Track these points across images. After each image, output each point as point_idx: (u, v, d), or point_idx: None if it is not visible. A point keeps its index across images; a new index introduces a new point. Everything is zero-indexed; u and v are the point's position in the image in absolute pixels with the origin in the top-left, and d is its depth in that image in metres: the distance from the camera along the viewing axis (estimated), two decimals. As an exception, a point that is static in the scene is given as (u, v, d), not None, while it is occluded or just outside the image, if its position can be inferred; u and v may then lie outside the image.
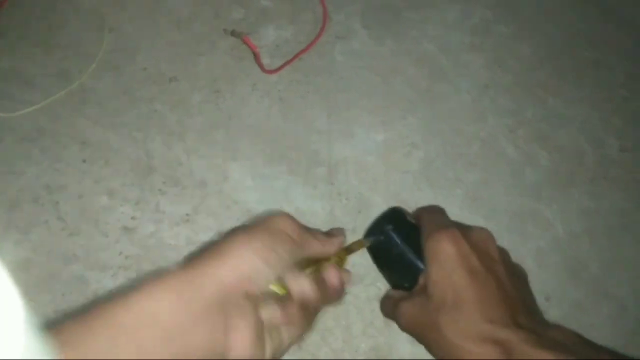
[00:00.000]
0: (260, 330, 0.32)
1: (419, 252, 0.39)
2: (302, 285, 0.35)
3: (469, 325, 0.35)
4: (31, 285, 0.43)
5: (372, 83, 0.58)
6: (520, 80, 0.62)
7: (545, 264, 0.51)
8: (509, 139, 0.58)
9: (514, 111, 0.60)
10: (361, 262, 0.48)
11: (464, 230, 0.39)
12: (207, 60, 0.56)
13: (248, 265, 0.31)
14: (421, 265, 0.40)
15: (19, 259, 0.44)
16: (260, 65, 0.56)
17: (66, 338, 0.27)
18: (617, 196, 0.56)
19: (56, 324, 0.28)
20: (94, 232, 0.46)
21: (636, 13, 0.70)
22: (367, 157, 0.54)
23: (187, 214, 0.48)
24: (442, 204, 0.43)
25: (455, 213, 0.49)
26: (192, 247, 0.46)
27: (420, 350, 0.45)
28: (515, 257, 0.42)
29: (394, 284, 0.44)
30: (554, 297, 0.49)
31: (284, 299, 0.34)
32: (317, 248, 0.37)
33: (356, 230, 0.49)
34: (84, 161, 0.49)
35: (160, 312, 0.29)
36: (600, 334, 0.48)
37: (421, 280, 0.40)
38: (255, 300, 0.32)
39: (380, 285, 0.47)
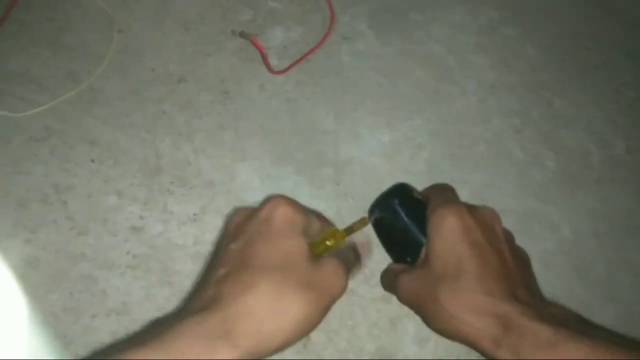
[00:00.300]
0: None
1: (423, 227, 0.40)
2: None
3: (468, 297, 0.35)
4: (40, 283, 0.43)
5: (379, 84, 0.59)
6: (526, 81, 0.62)
7: (552, 265, 0.51)
8: (515, 140, 0.58)
9: (520, 112, 0.60)
10: (367, 262, 0.48)
11: (470, 207, 0.39)
12: (215, 61, 0.57)
13: (299, 339, 0.33)
14: (424, 240, 0.40)
15: (28, 258, 0.44)
16: (268, 66, 0.56)
17: None
18: (623, 197, 0.56)
19: None
20: (102, 232, 0.46)
21: (643, 14, 0.70)
22: (373, 157, 0.54)
23: (194, 214, 0.48)
24: (449, 205, 0.43)
25: (462, 214, 0.49)
26: (200, 247, 0.46)
27: (425, 352, 0.46)
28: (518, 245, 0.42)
29: (396, 258, 0.44)
30: (560, 299, 0.49)
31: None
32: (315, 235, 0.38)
33: (362, 231, 0.49)
34: (93, 161, 0.49)
35: None
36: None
37: (423, 254, 0.40)
38: None
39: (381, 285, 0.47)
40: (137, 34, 0.57)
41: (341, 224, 0.46)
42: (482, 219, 0.39)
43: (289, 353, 0.44)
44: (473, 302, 0.35)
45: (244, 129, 0.53)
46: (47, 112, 0.51)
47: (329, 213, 0.50)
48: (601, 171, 0.57)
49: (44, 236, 0.45)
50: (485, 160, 0.56)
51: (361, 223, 0.42)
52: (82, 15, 0.57)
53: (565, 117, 0.60)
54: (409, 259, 0.42)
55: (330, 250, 0.38)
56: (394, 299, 0.46)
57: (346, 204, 0.51)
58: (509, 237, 0.41)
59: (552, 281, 0.50)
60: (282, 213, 0.35)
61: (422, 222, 0.40)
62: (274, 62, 0.57)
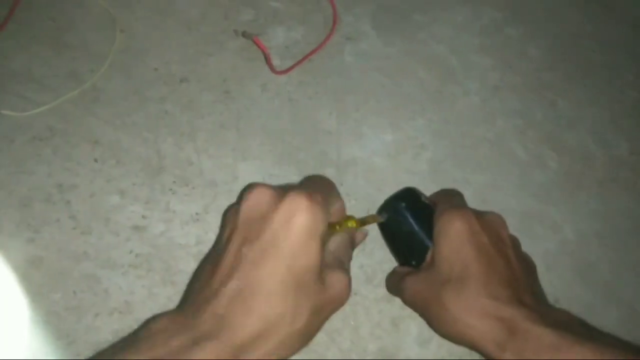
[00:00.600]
0: None
1: (429, 231, 0.40)
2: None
3: (472, 300, 0.35)
4: (42, 283, 0.43)
5: (381, 84, 0.59)
6: (530, 81, 0.62)
7: (554, 266, 0.51)
8: (518, 141, 0.57)
9: (523, 113, 0.60)
10: (369, 262, 0.48)
11: (477, 212, 0.39)
12: (217, 61, 0.57)
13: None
14: (430, 244, 0.40)
15: (31, 257, 0.44)
16: (270, 66, 0.56)
17: None
18: (626, 199, 0.56)
19: None
20: (105, 231, 0.46)
21: (646, 15, 0.70)
22: (375, 158, 0.54)
23: (197, 213, 0.48)
24: (452, 205, 0.43)
25: (464, 214, 0.49)
26: (202, 247, 0.46)
27: (428, 352, 0.46)
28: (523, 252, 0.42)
29: (402, 261, 0.45)
30: (562, 300, 0.49)
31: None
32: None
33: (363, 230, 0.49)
34: (95, 161, 0.49)
35: None
36: (610, 336, 0.48)
37: (428, 257, 0.40)
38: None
39: (386, 288, 0.47)
40: (139, 34, 0.57)
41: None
42: (488, 224, 0.39)
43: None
44: (478, 305, 0.35)
45: (245, 129, 0.53)
46: (50, 111, 0.51)
47: (331, 213, 0.50)
48: (604, 172, 0.57)
49: (47, 235, 0.45)
50: (487, 161, 0.56)
51: (373, 218, 0.43)
52: (84, 15, 0.57)
53: (568, 117, 0.60)
54: (414, 262, 0.42)
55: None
56: (396, 299, 0.46)
57: (349, 204, 0.50)
58: (515, 243, 0.41)
59: (554, 282, 0.50)
60: (302, 222, 0.32)
61: (428, 226, 0.40)
62: (275, 62, 0.57)
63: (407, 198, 0.44)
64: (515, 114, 0.59)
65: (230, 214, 0.36)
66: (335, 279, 0.35)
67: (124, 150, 0.50)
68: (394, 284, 0.43)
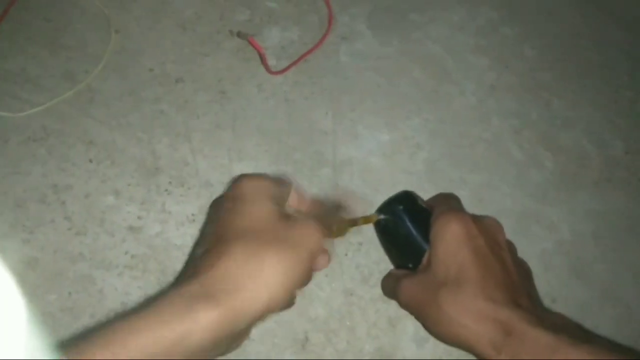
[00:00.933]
0: None
1: (426, 234, 0.40)
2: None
3: (469, 302, 0.35)
4: (38, 284, 0.43)
5: (377, 84, 0.58)
6: (526, 81, 0.62)
7: (551, 265, 0.51)
8: (514, 141, 0.58)
9: (518, 112, 0.60)
10: (366, 263, 0.48)
11: (474, 216, 0.40)
12: (212, 61, 0.57)
13: (281, 300, 0.32)
14: (426, 247, 0.40)
15: (26, 258, 0.44)
16: (266, 67, 0.56)
17: None
18: (622, 198, 0.56)
19: (82, 343, 0.26)
20: (100, 232, 0.46)
21: (641, 15, 0.70)
22: (371, 157, 0.54)
23: (192, 214, 0.48)
24: (448, 205, 0.43)
25: (460, 214, 0.49)
26: (198, 247, 0.46)
27: (425, 352, 0.46)
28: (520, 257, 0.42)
29: (398, 264, 0.44)
30: (559, 299, 0.49)
31: None
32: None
33: (361, 230, 0.49)
34: (91, 161, 0.49)
35: (196, 351, 0.29)
36: (606, 336, 0.48)
37: (425, 260, 0.40)
38: None
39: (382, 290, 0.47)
40: (134, 34, 0.57)
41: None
42: (485, 228, 0.39)
43: (288, 353, 0.44)
44: (474, 307, 0.35)
45: (241, 129, 0.53)
46: (45, 112, 0.50)
47: (327, 213, 0.50)
48: (600, 172, 0.57)
49: (42, 236, 0.45)
50: (484, 161, 0.56)
51: (365, 219, 0.42)
52: (79, 15, 0.57)
53: (563, 117, 0.60)
54: (410, 265, 0.42)
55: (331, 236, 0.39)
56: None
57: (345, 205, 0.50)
58: (511, 248, 0.41)
59: (550, 282, 0.50)
60: (246, 185, 0.35)
61: (425, 229, 0.40)
62: (271, 62, 0.57)
63: (405, 201, 0.44)
64: (511, 114, 0.59)
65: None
66: (302, 219, 0.35)
67: (119, 150, 0.50)
68: (390, 286, 0.43)
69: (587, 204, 0.55)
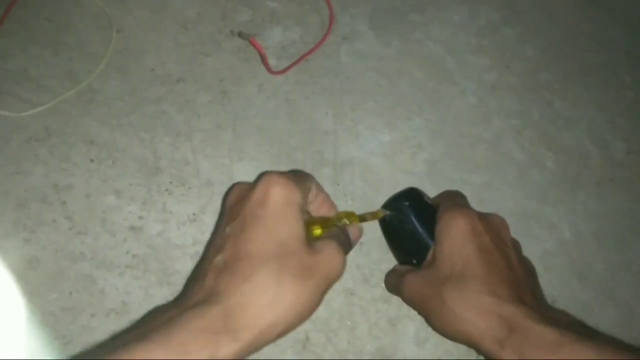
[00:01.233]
0: None
1: (431, 230, 0.40)
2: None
3: (473, 297, 0.35)
4: (39, 283, 0.43)
5: (378, 84, 0.58)
6: (527, 81, 0.62)
7: (552, 266, 0.51)
8: (515, 141, 0.57)
9: (520, 113, 0.60)
10: (366, 263, 0.48)
11: (480, 213, 0.40)
12: (213, 61, 0.57)
13: (298, 323, 0.33)
14: (431, 243, 0.40)
15: (27, 258, 0.44)
16: (267, 67, 0.56)
17: None
18: (623, 198, 0.56)
19: None
20: (101, 231, 0.46)
21: (643, 15, 0.70)
22: (372, 157, 0.54)
23: (193, 214, 0.48)
24: (448, 205, 0.43)
25: (461, 214, 0.49)
26: (199, 247, 0.46)
27: (425, 352, 0.45)
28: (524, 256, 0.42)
29: (402, 259, 0.45)
30: (560, 300, 0.49)
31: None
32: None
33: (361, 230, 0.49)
34: (92, 161, 0.49)
35: None
36: (607, 336, 0.48)
37: (429, 256, 0.40)
38: None
39: (385, 286, 0.47)
40: (135, 34, 0.57)
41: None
42: (491, 225, 0.39)
43: (288, 353, 0.44)
44: (478, 303, 0.35)
45: (242, 129, 0.53)
46: (47, 112, 0.51)
47: (328, 213, 0.50)
48: (601, 172, 0.57)
49: (43, 236, 0.45)
50: (485, 161, 0.56)
51: (374, 215, 0.43)
52: (81, 15, 0.57)
53: (565, 117, 0.60)
54: (415, 261, 0.42)
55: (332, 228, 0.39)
56: (393, 299, 0.46)
57: (345, 204, 0.50)
58: (516, 246, 0.41)
59: (552, 282, 0.50)
60: (277, 193, 0.34)
61: (430, 226, 0.41)
62: (272, 62, 0.57)
63: (410, 197, 0.44)
64: (512, 114, 0.59)
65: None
66: (323, 244, 0.35)
67: (120, 150, 0.50)
68: (394, 282, 0.43)
69: (589, 204, 0.55)
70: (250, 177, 0.50)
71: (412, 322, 0.46)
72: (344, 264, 0.35)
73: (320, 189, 0.41)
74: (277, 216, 0.33)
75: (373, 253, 0.49)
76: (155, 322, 0.29)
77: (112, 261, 0.45)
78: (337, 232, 0.39)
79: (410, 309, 0.44)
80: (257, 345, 0.31)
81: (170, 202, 0.48)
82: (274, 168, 0.51)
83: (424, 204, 0.44)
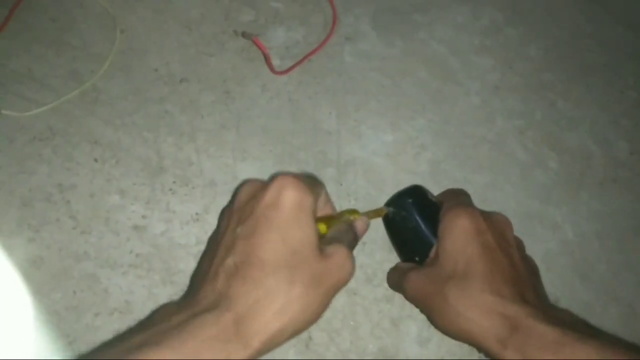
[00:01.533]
0: None
1: (434, 228, 0.40)
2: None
3: (476, 296, 0.35)
4: (43, 282, 0.43)
5: (381, 84, 0.59)
6: (530, 82, 0.62)
7: (555, 266, 0.51)
8: (518, 141, 0.58)
9: (523, 113, 0.60)
10: (369, 262, 0.48)
11: (483, 212, 0.40)
12: (217, 61, 0.57)
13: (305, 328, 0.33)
14: (434, 240, 0.40)
15: (31, 257, 0.44)
16: (270, 67, 0.56)
17: None
18: (626, 199, 0.56)
19: None
20: (105, 231, 0.46)
21: (646, 15, 0.70)
22: (375, 158, 0.54)
23: (197, 213, 0.48)
24: (451, 205, 0.43)
25: (464, 214, 0.49)
26: (202, 246, 0.46)
27: (428, 352, 0.46)
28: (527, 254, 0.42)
29: (405, 257, 0.45)
30: (563, 299, 0.49)
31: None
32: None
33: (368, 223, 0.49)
34: (96, 160, 0.49)
35: None
36: (610, 336, 0.48)
37: (432, 253, 0.40)
38: None
39: (388, 286, 0.47)
40: (139, 34, 0.57)
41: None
42: (494, 224, 0.39)
43: (291, 353, 0.44)
44: (481, 301, 0.35)
45: (245, 129, 0.53)
46: (51, 111, 0.51)
47: (331, 213, 0.50)
48: (604, 172, 0.57)
49: (47, 235, 0.45)
50: (488, 161, 0.56)
51: (378, 212, 0.43)
52: (84, 15, 0.57)
53: (568, 118, 0.60)
54: (417, 259, 0.42)
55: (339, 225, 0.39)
56: (396, 299, 0.46)
57: (348, 204, 0.51)
58: (519, 245, 0.41)
59: (554, 282, 0.50)
60: (290, 198, 0.33)
61: (433, 223, 0.41)
62: (275, 62, 0.57)
63: (414, 195, 0.44)
64: (515, 114, 0.59)
65: (225, 210, 0.38)
66: (334, 249, 0.35)
67: (124, 150, 0.50)
68: (396, 279, 0.43)
69: (592, 204, 0.55)
70: (253, 177, 0.50)
71: (415, 323, 0.46)
72: (353, 269, 0.36)
73: (328, 197, 0.41)
74: (290, 221, 0.33)
75: (376, 253, 0.49)
76: (166, 325, 0.29)
77: (116, 260, 0.45)
78: (345, 230, 0.39)
79: (413, 309, 0.44)
80: (266, 351, 0.31)
81: (173, 201, 0.48)
82: (278, 168, 0.51)
83: (427, 201, 0.44)
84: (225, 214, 0.37)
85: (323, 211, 0.40)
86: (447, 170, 0.54)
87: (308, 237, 0.33)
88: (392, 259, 0.47)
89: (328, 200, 0.41)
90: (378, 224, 0.47)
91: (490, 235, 0.38)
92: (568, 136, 0.59)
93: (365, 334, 0.45)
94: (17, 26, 0.55)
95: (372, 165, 0.53)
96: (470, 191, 0.50)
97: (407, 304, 0.44)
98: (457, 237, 0.38)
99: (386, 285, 0.47)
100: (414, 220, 0.42)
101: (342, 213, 0.40)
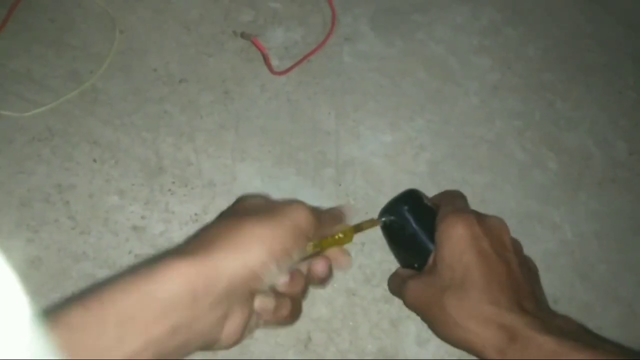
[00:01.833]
0: (250, 319, 0.32)
1: (432, 234, 0.40)
2: (301, 285, 0.35)
3: (474, 306, 0.35)
4: (42, 283, 0.43)
5: (380, 84, 0.59)
6: (529, 82, 0.62)
7: (554, 266, 0.51)
8: (517, 141, 0.58)
9: (522, 113, 0.60)
10: (368, 263, 0.48)
11: (479, 216, 0.40)
12: (216, 61, 0.57)
13: (260, 264, 0.31)
14: (432, 247, 0.40)
15: (30, 257, 0.44)
16: (269, 67, 0.56)
17: (73, 327, 0.26)
18: (625, 199, 0.56)
19: (60, 308, 0.26)
20: (104, 231, 0.46)
21: (645, 16, 0.70)
22: (374, 158, 0.54)
23: (196, 214, 0.48)
24: (450, 205, 0.43)
25: (463, 215, 0.49)
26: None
27: (427, 353, 0.46)
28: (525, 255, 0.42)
29: (404, 263, 0.45)
30: (562, 300, 0.49)
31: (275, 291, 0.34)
32: (325, 232, 0.38)
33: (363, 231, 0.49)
34: (95, 161, 0.49)
35: (172, 304, 0.27)
36: (609, 336, 0.48)
37: (430, 260, 0.40)
38: (255, 292, 0.32)
39: (387, 287, 0.47)
40: (138, 34, 0.57)
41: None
42: (490, 229, 0.39)
43: (290, 353, 0.44)
44: (479, 312, 0.35)
45: (244, 130, 0.53)
46: (50, 112, 0.51)
47: (330, 213, 0.50)
48: (603, 173, 0.57)
49: (46, 235, 0.45)
50: (487, 161, 0.56)
51: (370, 223, 0.42)
52: (83, 16, 0.57)
53: (567, 118, 0.60)
54: (416, 265, 0.42)
55: (337, 244, 0.39)
56: (395, 300, 0.46)
57: (347, 205, 0.51)
58: (517, 247, 0.41)
59: (553, 282, 0.50)
60: (302, 216, 0.34)
61: (430, 229, 0.41)
62: (274, 62, 0.57)
63: (410, 201, 0.44)
64: (514, 115, 0.59)
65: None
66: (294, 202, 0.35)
67: (123, 150, 0.50)
68: (396, 285, 0.43)
69: (591, 204, 0.55)
70: (252, 178, 0.50)
71: (414, 323, 0.46)
72: (310, 214, 0.35)
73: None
74: (284, 217, 0.34)
75: (375, 253, 0.49)
76: (141, 268, 0.29)
77: (115, 261, 0.45)
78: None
79: (412, 309, 0.44)
80: (214, 270, 0.30)
81: (172, 202, 0.48)
82: (277, 169, 0.51)
83: (423, 206, 0.44)
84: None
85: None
86: (446, 171, 0.54)
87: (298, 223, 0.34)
88: (391, 259, 0.47)
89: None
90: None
91: (486, 241, 0.38)
92: (567, 136, 0.59)
93: (365, 334, 0.45)
94: (16, 26, 0.55)
95: (371, 166, 0.53)
96: (469, 191, 0.50)
97: (407, 306, 0.44)
98: (454, 246, 0.38)
99: (385, 285, 0.47)
100: (411, 228, 0.42)
101: (336, 230, 0.39)
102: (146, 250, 0.46)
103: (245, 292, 0.31)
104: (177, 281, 0.28)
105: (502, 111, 0.59)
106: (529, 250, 0.43)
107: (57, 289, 0.43)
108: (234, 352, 0.40)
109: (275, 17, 0.61)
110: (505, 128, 0.58)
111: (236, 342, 0.32)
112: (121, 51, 0.55)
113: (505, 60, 0.63)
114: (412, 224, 0.42)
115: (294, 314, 0.35)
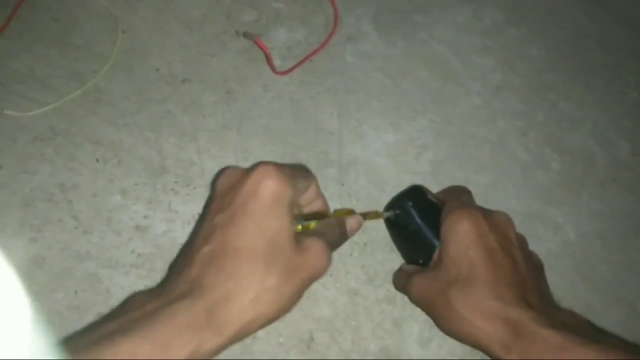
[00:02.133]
0: None
1: (436, 229, 0.40)
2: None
3: (479, 301, 0.35)
4: (45, 282, 0.43)
5: (383, 84, 0.59)
6: (531, 82, 0.62)
7: (556, 266, 0.51)
8: (520, 142, 0.58)
9: (524, 113, 0.60)
10: (371, 263, 0.48)
11: (485, 211, 0.40)
12: (218, 61, 0.57)
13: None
14: (437, 243, 0.40)
15: (33, 257, 0.44)
16: (272, 67, 0.56)
17: None
18: (628, 199, 0.56)
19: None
20: (107, 231, 0.46)
21: (648, 16, 0.70)
22: (377, 158, 0.54)
23: (198, 214, 0.48)
24: (453, 205, 0.43)
25: (466, 215, 0.49)
26: (204, 247, 0.46)
27: (429, 352, 0.46)
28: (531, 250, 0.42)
29: (409, 259, 0.45)
30: (564, 300, 0.49)
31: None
32: (300, 186, 0.38)
33: (366, 231, 0.49)
34: (98, 160, 0.49)
35: None
36: (611, 337, 0.48)
37: (436, 256, 0.40)
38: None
39: (389, 287, 0.47)
40: (141, 34, 0.57)
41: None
42: (496, 224, 0.39)
43: (293, 353, 0.44)
44: (484, 307, 0.35)
45: (247, 129, 0.53)
46: (53, 111, 0.51)
47: (332, 213, 0.50)
48: (606, 173, 0.57)
49: (49, 235, 0.45)
50: (489, 161, 0.56)
51: (374, 215, 0.43)
52: (86, 16, 0.57)
53: (569, 118, 0.60)
54: (421, 261, 0.42)
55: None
56: (398, 300, 0.46)
57: (350, 205, 0.51)
58: (522, 242, 0.41)
59: (556, 282, 0.50)
60: (269, 187, 0.33)
61: (435, 224, 0.41)
62: (277, 62, 0.57)
63: (414, 196, 0.44)
64: (516, 115, 0.59)
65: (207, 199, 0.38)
66: (311, 243, 0.35)
67: (126, 150, 0.50)
68: (401, 281, 0.44)
69: (593, 204, 0.55)
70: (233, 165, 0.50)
71: (416, 323, 0.46)
72: (329, 263, 0.36)
73: (320, 192, 0.41)
74: (267, 211, 0.33)
75: (377, 253, 0.49)
76: (138, 313, 0.30)
77: (118, 260, 0.45)
78: (331, 226, 0.39)
79: (415, 309, 0.44)
80: (238, 339, 0.31)
81: (175, 201, 0.48)
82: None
83: (428, 202, 0.44)
84: (207, 202, 0.37)
85: (313, 205, 0.40)
86: (449, 171, 0.54)
87: (283, 228, 0.33)
88: (393, 259, 0.47)
89: (319, 195, 0.41)
90: (379, 225, 0.47)
91: (492, 236, 0.38)
92: (569, 137, 0.59)
93: (367, 334, 0.45)
94: (19, 26, 0.55)
95: (374, 166, 0.53)
96: (471, 191, 0.50)
97: (409, 304, 0.44)
98: (459, 241, 0.38)
99: (388, 285, 0.47)
100: (416, 224, 0.42)
101: (336, 211, 0.40)
102: (149, 249, 0.46)
103: None
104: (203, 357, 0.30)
105: (505, 111, 0.59)
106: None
107: (60, 289, 0.43)
108: (235, 352, 0.40)
109: (278, 17, 0.61)
110: (508, 128, 0.58)
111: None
112: (124, 51, 0.55)
113: (507, 60, 0.63)
114: (416, 220, 0.42)
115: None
